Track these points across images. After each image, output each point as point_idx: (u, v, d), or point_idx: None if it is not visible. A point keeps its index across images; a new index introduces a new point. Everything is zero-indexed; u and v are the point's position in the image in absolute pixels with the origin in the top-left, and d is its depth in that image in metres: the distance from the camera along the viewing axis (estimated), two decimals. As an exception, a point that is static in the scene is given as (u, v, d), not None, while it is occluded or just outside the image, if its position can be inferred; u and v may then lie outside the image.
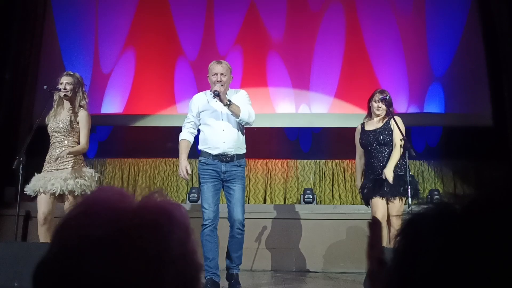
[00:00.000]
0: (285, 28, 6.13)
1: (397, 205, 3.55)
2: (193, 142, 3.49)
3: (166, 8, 6.27)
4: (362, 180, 3.79)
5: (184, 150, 3.39)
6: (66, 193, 3.33)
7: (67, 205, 3.35)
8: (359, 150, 3.85)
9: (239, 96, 3.39)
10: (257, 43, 6.11)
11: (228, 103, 3.19)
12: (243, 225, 3.28)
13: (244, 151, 3.38)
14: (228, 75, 3.35)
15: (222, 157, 3.28)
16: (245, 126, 3.40)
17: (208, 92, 3.40)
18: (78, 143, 3.49)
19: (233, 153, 3.29)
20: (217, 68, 3.31)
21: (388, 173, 3.49)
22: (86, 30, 6.27)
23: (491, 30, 5.80)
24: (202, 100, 3.42)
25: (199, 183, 3.43)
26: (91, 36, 6.26)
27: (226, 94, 3.31)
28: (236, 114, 3.25)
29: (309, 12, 6.16)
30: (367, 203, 3.71)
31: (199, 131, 3.48)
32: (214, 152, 3.29)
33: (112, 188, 0.55)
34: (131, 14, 6.28)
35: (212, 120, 3.33)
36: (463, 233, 0.46)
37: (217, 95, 3.18)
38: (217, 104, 3.32)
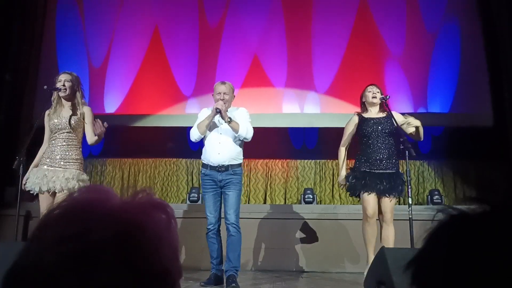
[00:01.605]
0: (285, 28, 6.14)
1: (391, 202, 3.54)
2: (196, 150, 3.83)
3: (164, 8, 6.28)
4: (348, 171, 3.73)
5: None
6: (65, 190, 3.34)
7: (58, 199, 3.35)
8: (347, 141, 3.77)
9: (240, 113, 3.75)
10: (257, 43, 6.11)
11: (229, 120, 3.57)
12: (238, 226, 3.59)
13: (239, 161, 3.72)
14: (231, 94, 3.72)
15: (218, 167, 3.62)
16: (243, 140, 3.73)
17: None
18: (79, 141, 3.51)
19: (227, 163, 3.63)
20: (221, 88, 3.70)
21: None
22: (86, 30, 6.28)
23: (492, 30, 5.80)
24: (206, 114, 3.74)
25: (202, 191, 3.81)
26: (92, 36, 6.27)
27: (227, 111, 3.66)
28: (235, 130, 3.61)
29: (309, 13, 6.16)
30: (354, 194, 3.66)
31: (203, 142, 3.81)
32: (210, 162, 3.65)
33: (99, 188, 0.54)
34: (131, 14, 6.28)
35: (211, 134, 3.70)
36: (475, 237, 0.47)
37: (218, 112, 3.56)
38: (217, 120, 3.68)
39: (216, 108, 3.57)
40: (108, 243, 0.48)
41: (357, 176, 3.61)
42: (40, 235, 0.51)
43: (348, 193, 3.79)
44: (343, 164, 3.76)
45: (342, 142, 3.80)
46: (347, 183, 3.70)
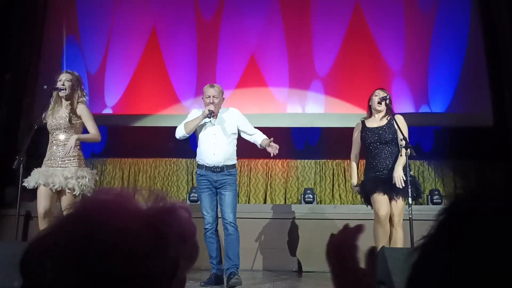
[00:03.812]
0: (284, 27, 6.13)
1: (400, 205, 3.51)
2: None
3: (161, 8, 6.28)
4: (361, 178, 3.76)
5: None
6: (66, 189, 3.34)
7: (64, 201, 3.36)
8: (356, 148, 3.79)
9: (235, 116, 3.81)
10: (255, 42, 6.11)
11: (263, 145, 3.75)
12: (236, 225, 3.62)
13: (234, 162, 3.77)
14: (220, 97, 3.75)
15: (213, 168, 3.66)
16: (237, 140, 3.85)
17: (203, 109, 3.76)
18: None
19: (222, 164, 3.66)
20: (210, 91, 3.71)
21: (397, 176, 3.45)
22: (85, 30, 6.28)
23: (492, 30, 5.80)
24: (197, 115, 3.76)
25: (197, 192, 3.86)
26: (92, 35, 6.27)
27: (219, 112, 3.75)
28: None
29: (309, 12, 6.16)
30: (367, 201, 3.64)
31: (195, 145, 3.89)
32: (206, 163, 3.68)
33: (121, 191, 0.56)
34: (127, 15, 6.28)
35: (205, 135, 3.74)
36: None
37: (211, 114, 3.61)
38: (210, 121, 3.74)
39: (209, 110, 3.61)
40: (110, 249, 0.50)
41: (365, 183, 3.63)
42: (65, 225, 0.52)
43: (365, 203, 3.78)
44: (355, 171, 3.79)
45: (351, 152, 3.84)
46: (360, 192, 3.73)
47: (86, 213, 0.52)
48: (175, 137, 3.80)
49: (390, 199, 3.53)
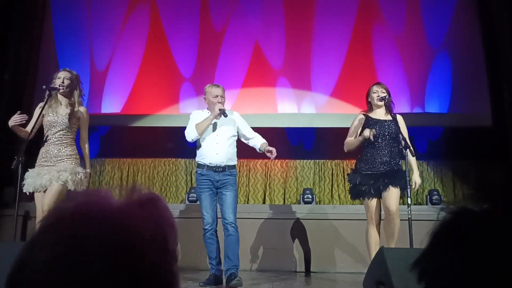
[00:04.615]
0: (285, 28, 6.13)
1: (395, 194, 3.45)
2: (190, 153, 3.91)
3: (162, 4, 6.28)
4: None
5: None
6: (59, 182, 3.30)
7: (52, 190, 3.29)
8: (353, 135, 3.68)
9: (238, 120, 3.84)
10: (257, 44, 6.11)
11: (262, 149, 3.79)
12: (236, 225, 3.61)
13: (235, 162, 3.79)
14: (224, 97, 3.79)
15: (215, 168, 3.65)
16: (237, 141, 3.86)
17: (206, 110, 3.81)
18: (74, 138, 3.51)
19: (224, 164, 3.67)
20: (218, 91, 3.73)
21: (418, 183, 3.60)
22: (84, 29, 6.27)
23: (491, 30, 5.80)
24: (201, 115, 3.79)
25: (197, 191, 3.83)
26: (92, 35, 6.26)
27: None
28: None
29: (311, 13, 6.16)
30: (355, 198, 3.67)
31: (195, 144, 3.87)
32: (208, 163, 3.67)
33: (97, 192, 0.55)
34: (131, 13, 6.28)
35: (208, 135, 3.73)
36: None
37: (223, 113, 3.60)
38: (213, 121, 3.72)
39: (220, 109, 3.61)
40: (101, 248, 0.49)
41: (359, 180, 3.58)
42: (40, 236, 0.52)
43: (350, 195, 3.79)
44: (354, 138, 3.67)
45: (348, 136, 3.72)
46: (351, 187, 3.70)
47: (64, 221, 0.51)
48: (174, 137, 3.80)
49: (383, 191, 3.48)
